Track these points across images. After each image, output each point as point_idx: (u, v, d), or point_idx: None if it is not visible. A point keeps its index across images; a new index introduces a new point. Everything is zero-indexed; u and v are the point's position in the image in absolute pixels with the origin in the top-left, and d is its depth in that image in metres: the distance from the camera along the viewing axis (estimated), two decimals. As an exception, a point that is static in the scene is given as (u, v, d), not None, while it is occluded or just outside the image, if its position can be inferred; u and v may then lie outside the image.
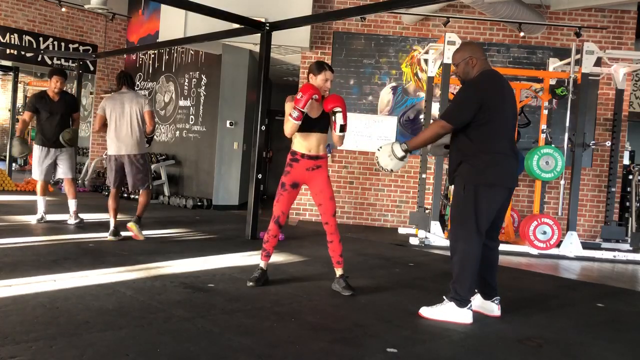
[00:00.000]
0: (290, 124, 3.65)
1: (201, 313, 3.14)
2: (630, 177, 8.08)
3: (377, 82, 8.37)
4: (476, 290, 3.49)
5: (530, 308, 3.80)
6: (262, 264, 3.93)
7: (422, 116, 7.97)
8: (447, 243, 6.27)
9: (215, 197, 9.01)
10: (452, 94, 6.68)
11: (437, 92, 7.10)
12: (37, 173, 6.17)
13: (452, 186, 3.59)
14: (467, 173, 3.31)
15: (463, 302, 3.25)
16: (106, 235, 5.40)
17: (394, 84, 8.34)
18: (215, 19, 6.10)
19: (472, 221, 3.27)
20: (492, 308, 3.47)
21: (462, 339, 3.01)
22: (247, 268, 4.32)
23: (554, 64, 7.49)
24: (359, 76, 8.37)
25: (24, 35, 10.40)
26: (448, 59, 6.23)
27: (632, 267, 6.18)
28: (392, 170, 3.43)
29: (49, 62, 10.74)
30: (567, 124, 6.63)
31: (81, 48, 11.04)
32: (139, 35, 11.15)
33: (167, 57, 10.25)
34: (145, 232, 5.57)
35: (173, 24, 8.11)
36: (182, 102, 9.90)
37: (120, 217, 5.57)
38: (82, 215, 6.31)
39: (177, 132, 9.97)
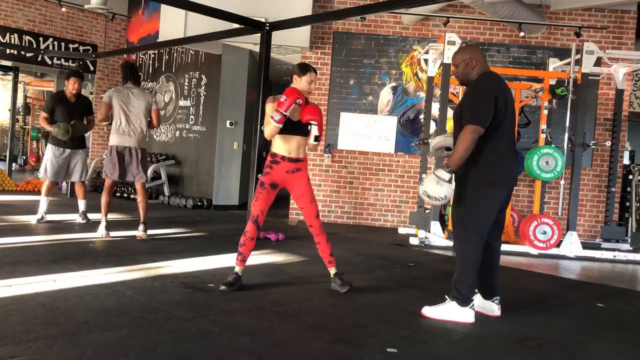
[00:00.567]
0: (271, 127, 3.63)
1: (201, 313, 3.14)
2: (630, 177, 8.09)
3: (377, 82, 8.36)
4: (476, 290, 3.49)
5: (530, 308, 3.80)
6: (237, 269, 3.74)
7: (422, 116, 7.97)
8: (447, 243, 6.31)
9: (215, 197, 9.01)
10: (453, 94, 6.69)
11: (437, 92, 7.09)
12: (49, 172, 6.17)
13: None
14: (468, 173, 3.32)
15: (465, 301, 3.26)
16: (99, 235, 5.39)
17: (394, 84, 8.34)
18: (215, 19, 6.10)
19: (473, 221, 3.29)
20: (492, 308, 3.48)
21: (462, 339, 3.01)
22: (247, 268, 4.30)
23: (554, 64, 7.49)
24: (359, 76, 8.37)
25: (24, 35, 10.40)
26: (448, 59, 6.23)
27: (632, 267, 6.17)
28: (446, 196, 3.21)
29: (49, 62, 10.73)
30: (567, 124, 6.63)
31: (81, 48, 11.03)
32: (139, 35, 11.15)
33: (167, 57, 10.25)
34: (145, 232, 5.58)
35: (173, 24, 8.11)
36: (182, 102, 9.90)
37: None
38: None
39: (177, 132, 9.97)
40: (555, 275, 5.38)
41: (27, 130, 16.92)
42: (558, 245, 6.41)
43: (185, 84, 9.83)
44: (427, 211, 6.98)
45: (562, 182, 6.72)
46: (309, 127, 3.73)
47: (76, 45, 11.01)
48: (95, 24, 11.33)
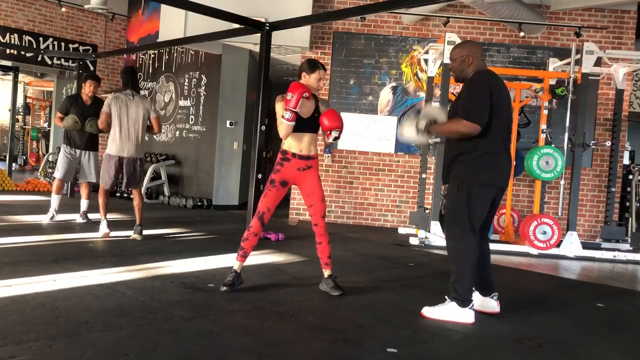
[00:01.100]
0: (284, 126, 3.58)
1: (201, 313, 3.14)
2: (630, 177, 8.09)
3: (377, 82, 8.37)
4: (474, 289, 3.49)
5: (530, 308, 3.80)
6: (237, 266, 3.71)
7: (422, 116, 7.95)
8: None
9: (215, 197, 9.01)
10: (453, 94, 6.68)
11: (437, 92, 7.09)
12: (61, 172, 6.32)
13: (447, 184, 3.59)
14: (460, 173, 3.33)
15: (465, 301, 3.25)
16: (100, 234, 5.41)
17: (394, 84, 8.35)
18: (215, 19, 6.10)
19: (467, 220, 3.29)
20: (492, 304, 3.48)
21: (462, 339, 3.01)
22: (247, 268, 4.31)
23: (554, 64, 7.49)
24: (359, 76, 8.37)
25: (24, 35, 10.40)
26: (448, 59, 6.22)
27: (632, 267, 6.17)
28: (414, 141, 3.39)
29: (49, 62, 10.74)
30: (567, 124, 6.63)
31: (81, 48, 11.03)
32: (139, 35, 11.15)
33: (167, 57, 10.25)
34: (145, 232, 5.57)
35: (173, 24, 8.11)
36: (182, 102, 9.90)
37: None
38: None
39: (177, 132, 9.97)
40: (555, 275, 5.38)
41: (27, 130, 16.92)
42: (558, 245, 6.41)
43: (185, 84, 9.83)
44: (427, 211, 6.98)
45: (562, 182, 6.72)
46: (330, 132, 3.68)
47: (76, 45, 11.02)
48: (95, 24, 11.33)
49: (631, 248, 6.93)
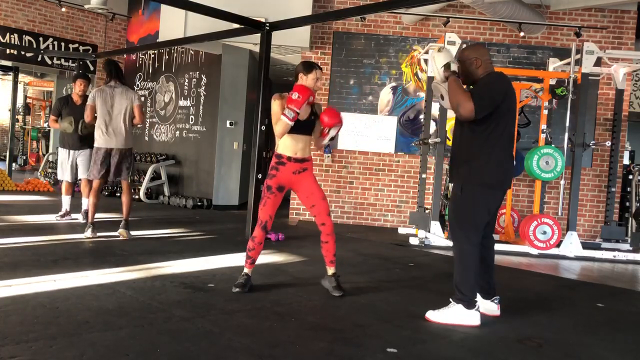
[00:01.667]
0: (283, 124, 3.55)
1: (201, 313, 3.14)
2: (630, 177, 8.09)
3: (377, 82, 8.36)
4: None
5: (530, 308, 3.80)
6: (247, 270, 3.76)
7: (422, 116, 7.97)
8: (447, 243, 6.30)
9: (215, 197, 9.01)
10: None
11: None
12: (66, 175, 6.42)
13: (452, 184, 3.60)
14: (465, 174, 3.34)
15: (470, 303, 3.24)
16: (86, 235, 5.35)
17: (394, 84, 8.34)
18: (215, 19, 6.10)
19: (470, 221, 3.30)
20: (492, 307, 3.48)
21: (462, 339, 3.01)
22: (247, 268, 4.31)
23: (554, 64, 7.49)
24: (359, 76, 8.37)
25: (24, 35, 10.40)
26: (450, 59, 6.21)
27: (632, 267, 6.17)
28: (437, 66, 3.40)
29: (49, 62, 10.74)
30: (567, 124, 6.63)
31: (81, 48, 11.03)
32: (139, 35, 11.15)
33: (167, 57, 10.25)
34: (145, 232, 5.58)
35: (173, 24, 8.11)
36: (182, 102, 9.90)
37: (119, 216, 5.54)
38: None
39: (177, 132, 9.96)
40: (555, 275, 5.38)
41: (27, 130, 16.92)
42: (558, 245, 6.41)
43: (185, 84, 9.83)
44: (427, 211, 6.98)
45: (562, 182, 6.72)
46: (327, 130, 3.69)
47: (76, 45, 11.02)
48: (95, 24, 11.33)
49: (631, 248, 6.93)
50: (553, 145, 6.64)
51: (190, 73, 9.75)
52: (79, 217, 6.42)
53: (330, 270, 3.83)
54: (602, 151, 8.08)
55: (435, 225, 6.57)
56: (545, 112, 7.01)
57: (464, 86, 3.38)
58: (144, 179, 9.35)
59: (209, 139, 9.28)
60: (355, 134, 8.28)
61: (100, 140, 5.38)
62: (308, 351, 2.67)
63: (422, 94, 7.83)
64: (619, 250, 6.80)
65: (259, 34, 6.13)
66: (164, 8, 8.43)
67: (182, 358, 2.45)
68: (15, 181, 9.97)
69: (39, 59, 10.60)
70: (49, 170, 11.57)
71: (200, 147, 9.53)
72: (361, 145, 8.30)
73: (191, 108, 9.72)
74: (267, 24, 6.09)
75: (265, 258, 4.94)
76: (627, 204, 8.13)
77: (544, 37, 8.20)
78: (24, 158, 16.51)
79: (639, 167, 8.09)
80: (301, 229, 7.38)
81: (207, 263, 4.54)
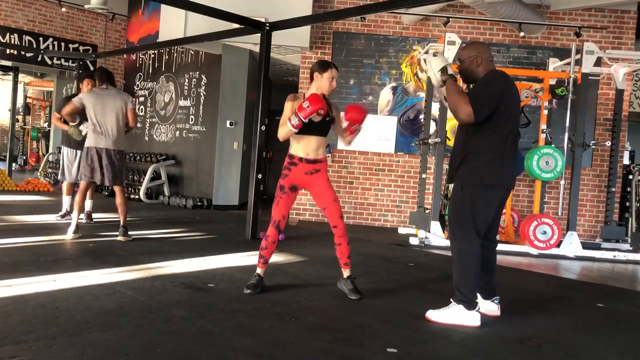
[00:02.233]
0: (286, 130, 3.53)
1: (201, 313, 3.14)
2: (630, 177, 8.08)
3: (377, 82, 8.37)
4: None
5: (530, 308, 3.80)
6: (259, 270, 3.75)
7: (422, 116, 7.97)
8: (447, 243, 6.30)
9: (215, 197, 9.01)
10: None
11: (437, 92, 7.09)
12: (67, 176, 6.40)
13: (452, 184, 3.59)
14: (465, 173, 3.32)
15: (471, 304, 3.23)
16: (72, 235, 5.25)
17: (394, 84, 8.35)
18: (215, 19, 6.10)
19: (470, 221, 3.27)
20: (492, 308, 3.47)
21: (462, 339, 3.01)
22: (247, 268, 4.31)
23: (554, 64, 7.49)
24: (359, 76, 8.37)
25: (24, 35, 10.40)
26: (448, 59, 6.22)
27: (632, 267, 6.18)
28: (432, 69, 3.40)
29: (49, 62, 10.74)
30: (567, 124, 6.63)
31: (81, 48, 11.04)
32: (139, 35, 11.15)
33: (167, 57, 10.25)
34: (145, 232, 5.58)
35: (173, 24, 8.11)
36: (182, 102, 9.90)
37: (118, 216, 5.53)
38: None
39: (177, 132, 9.97)
40: (555, 275, 5.38)
41: (27, 130, 16.93)
42: (558, 245, 6.41)
43: (185, 84, 9.83)
44: (427, 211, 6.98)
45: (562, 182, 6.72)
46: (356, 126, 3.71)
47: (76, 45, 11.03)
48: (95, 24, 11.34)
49: (631, 248, 6.93)
50: (553, 145, 6.64)
51: (190, 73, 9.75)
52: (82, 218, 6.40)
53: (346, 273, 3.79)
54: (602, 151, 8.08)
55: (435, 225, 6.57)
56: (545, 112, 7.01)
57: (464, 85, 3.37)
58: (144, 179, 9.35)
59: (209, 139, 9.28)
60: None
61: (90, 140, 5.34)
62: (308, 351, 2.67)
63: (422, 94, 7.83)
64: (619, 250, 6.80)
65: (259, 34, 6.13)
66: (164, 8, 8.43)
67: (182, 358, 2.45)
68: (15, 181, 9.97)
69: (39, 59, 10.61)
70: (49, 170, 11.57)
71: (200, 147, 9.53)
72: (361, 145, 8.30)
73: (191, 108, 9.72)
74: (267, 24, 6.09)
75: (265, 258, 4.93)
76: (627, 204, 8.13)
77: (544, 37, 8.20)
78: (24, 158, 16.52)
79: (639, 167, 8.09)
80: (301, 229, 7.38)
81: (207, 263, 4.54)
